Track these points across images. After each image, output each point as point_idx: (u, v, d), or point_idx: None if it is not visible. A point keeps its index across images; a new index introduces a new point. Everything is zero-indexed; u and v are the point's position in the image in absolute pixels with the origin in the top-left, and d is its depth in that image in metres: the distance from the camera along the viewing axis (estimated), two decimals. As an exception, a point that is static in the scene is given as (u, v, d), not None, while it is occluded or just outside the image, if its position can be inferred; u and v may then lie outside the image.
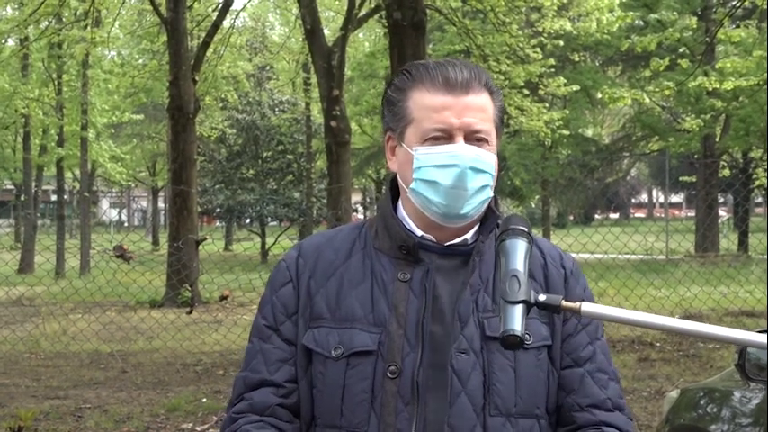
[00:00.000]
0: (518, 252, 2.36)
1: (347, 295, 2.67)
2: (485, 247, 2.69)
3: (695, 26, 26.23)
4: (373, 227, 2.79)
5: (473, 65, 2.72)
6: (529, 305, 2.27)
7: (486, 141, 2.64)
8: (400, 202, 2.78)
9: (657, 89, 22.92)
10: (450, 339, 2.60)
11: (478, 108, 2.64)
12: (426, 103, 2.64)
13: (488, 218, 2.72)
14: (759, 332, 4.43)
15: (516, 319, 2.23)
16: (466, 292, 2.63)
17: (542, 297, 2.30)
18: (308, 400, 2.68)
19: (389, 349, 2.59)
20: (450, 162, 2.60)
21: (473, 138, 2.62)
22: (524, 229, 2.40)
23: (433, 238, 2.69)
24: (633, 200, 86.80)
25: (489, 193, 2.66)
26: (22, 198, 46.16)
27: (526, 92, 25.74)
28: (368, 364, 2.59)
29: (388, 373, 2.57)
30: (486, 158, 2.63)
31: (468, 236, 2.71)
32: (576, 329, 2.74)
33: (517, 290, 2.27)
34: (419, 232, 2.70)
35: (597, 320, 2.73)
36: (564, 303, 2.29)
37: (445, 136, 2.61)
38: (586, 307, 2.26)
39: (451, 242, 2.70)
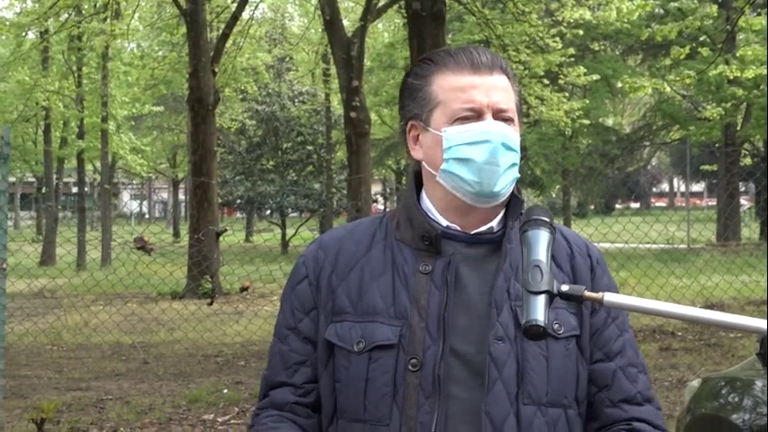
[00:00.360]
0: (540, 243, 2.36)
1: (369, 288, 2.66)
2: (513, 234, 2.67)
3: (716, 14, 26.09)
4: (395, 218, 2.77)
5: (491, 51, 2.73)
6: (552, 295, 2.27)
7: (512, 121, 2.66)
8: (424, 193, 2.77)
9: (678, 78, 22.81)
10: (479, 328, 2.59)
11: (503, 88, 2.66)
12: (453, 84, 2.65)
13: (513, 203, 2.71)
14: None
15: (539, 310, 2.23)
16: (500, 279, 2.62)
17: (565, 287, 2.30)
18: (331, 394, 2.68)
19: (410, 342, 2.58)
20: (482, 138, 2.60)
21: (500, 117, 2.63)
22: (546, 219, 2.41)
23: (458, 228, 2.68)
24: (654, 189, 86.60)
25: (517, 172, 2.66)
26: (44, 190, 46.37)
27: (546, 81, 25.65)
28: (389, 357, 2.59)
29: (410, 366, 2.57)
30: (514, 136, 2.65)
31: (494, 223, 2.70)
32: (606, 323, 2.73)
33: (540, 280, 2.27)
34: (444, 222, 2.69)
35: (623, 312, 2.72)
36: (587, 294, 2.28)
37: (474, 115, 2.62)
38: (609, 297, 2.26)
39: (477, 230, 2.69)
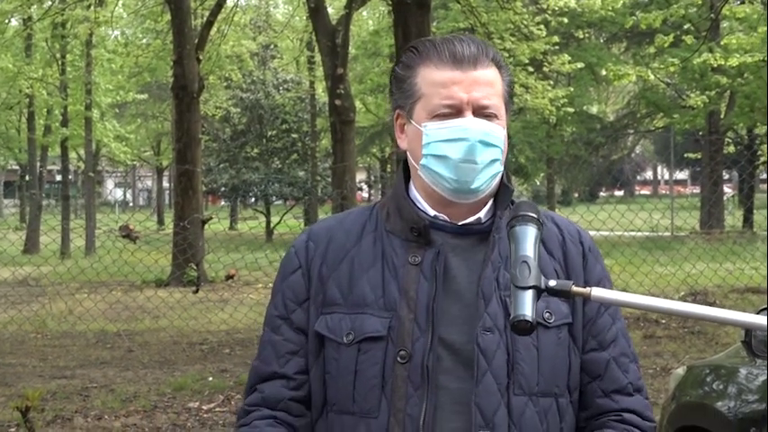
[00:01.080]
0: (528, 238, 2.36)
1: (359, 279, 2.65)
2: (502, 224, 2.65)
3: (700, 2, 26.14)
4: (385, 208, 2.77)
5: (480, 40, 2.71)
6: (539, 291, 2.27)
7: (495, 116, 2.64)
8: (412, 182, 2.76)
9: (662, 66, 22.88)
10: (469, 319, 2.59)
11: (487, 83, 2.63)
12: (434, 79, 2.63)
13: (502, 193, 2.70)
14: (759, 311, 4.39)
15: (527, 305, 2.24)
16: (487, 270, 2.62)
17: (552, 283, 2.30)
18: (321, 386, 2.67)
19: (399, 334, 2.58)
20: (459, 136, 2.59)
21: (482, 113, 2.61)
22: (534, 215, 2.40)
23: (445, 218, 2.68)
24: (638, 177, 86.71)
25: (499, 167, 2.64)
26: (27, 178, 46.20)
27: (530, 69, 25.67)
28: (378, 349, 2.59)
29: (398, 358, 2.57)
30: (496, 132, 2.62)
31: (482, 213, 2.70)
32: (600, 312, 2.73)
33: (527, 275, 2.27)
34: (431, 212, 2.69)
35: None
36: (574, 289, 2.29)
37: (454, 111, 2.60)
38: (597, 292, 2.27)
39: (465, 221, 2.68)
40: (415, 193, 2.73)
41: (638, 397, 2.75)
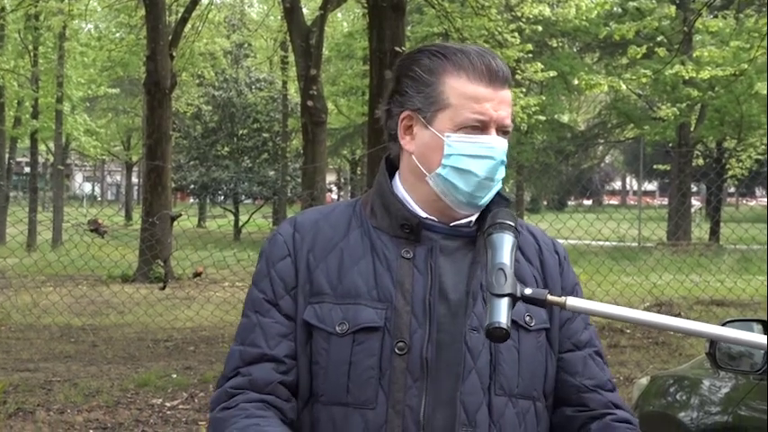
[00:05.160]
0: (505, 246, 2.39)
1: (349, 270, 2.64)
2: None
3: (674, 15, 26.34)
4: (368, 205, 2.76)
5: (501, 58, 2.71)
6: (515, 299, 2.30)
7: (508, 134, 2.68)
8: (398, 181, 2.76)
9: (634, 77, 22.96)
10: (456, 319, 2.60)
11: (509, 102, 2.67)
12: (467, 92, 2.62)
13: (493, 198, 2.71)
14: (725, 323, 4.41)
15: (502, 312, 2.26)
16: (477, 271, 2.64)
17: (528, 291, 2.33)
18: (307, 377, 2.64)
19: (396, 325, 2.58)
20: (485, 153, 2.61)
21: (501, 131, 2.64)
22: (511, 223, 2.43)
23: (435, 219, 2.69)
24: (607, 187, 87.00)
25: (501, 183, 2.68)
26: (-5, 169, 45.98)
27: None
28: (375, 340, 2.58)
29: (396, 350, 2.57)
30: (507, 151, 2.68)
31: (474, 217, 2.72)
32: (574, 316, 2.76)
33: (504, 283, 2.30)
34: (421, 213, 2.69)
35: None
36: (550, 298, 2.32)
37: (481, 127, 2.61)
38: (572, 301, 2.29)
39: (456, 223, 2.70)
40: (402, 192, 2.73)
41: (617, 393, 2.81)
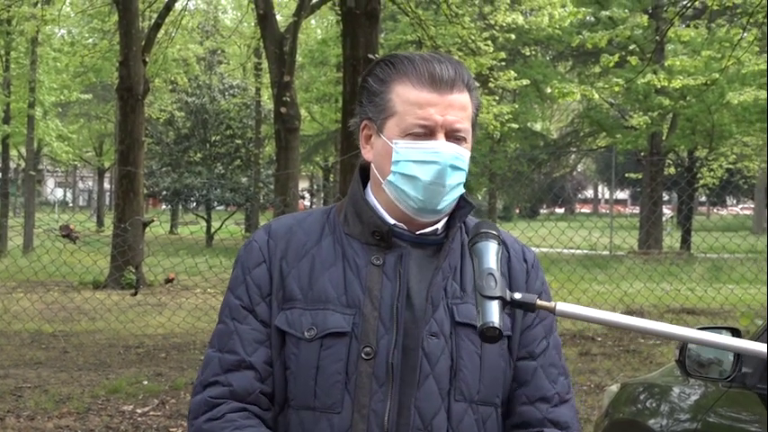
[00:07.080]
0: (490, 252, 2.43)
1: (319, 276, 2.67)
2: (456, 235, 2.74)
3: (646, 24, 26.43)
4: (342, 212, 2.78)
5: (456, 62, 2.74)
6: (504, 302, 2.33)
7: (465, 140, 2.68)
8: (370, 189, 2.79)
9: (606, 85, 23.07)
10: (419, 324, 2.62)
11: (460, 107, 2.67)
12: (411, 98, 2.65)
13: (459, 207, 2.74)
14: (700, 329, 4.44)
15: (494, 313, 2.29)
16: (438, 278, 2.67)
17: (518, 295, 2.36)
18: (282, 382, 2.67)
19: (364, 331, 2.60)
20: (430, 159, 2.62)
21: (453, 136, 2.65)
22: (494, 232, 2.47)
23: (404, 227, 2.71)
24: (579, 195, 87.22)
25: (462, 189, 2.69)
26: (-34, 174, 45.71)
27: (476, 84, 25.80)
28: (342, 345, 2.60)
29: (363, 355, 2.59)
30: (464, 156, 2.67)
31: (439, 225, 2.74)
32: (534, 322, 2.79)
33: (494, 286, 2.33)
34: (391, 220, 2.71)
35: (552, 315, 2.75)
36: (539, 302, 2.34)
37: (427, 132, 2.63)
38: (561, 307, 2.32)
39: (423, 231, 2.72)
40: (374, 201, 2.76)
41: (563, 408, 2.79)
